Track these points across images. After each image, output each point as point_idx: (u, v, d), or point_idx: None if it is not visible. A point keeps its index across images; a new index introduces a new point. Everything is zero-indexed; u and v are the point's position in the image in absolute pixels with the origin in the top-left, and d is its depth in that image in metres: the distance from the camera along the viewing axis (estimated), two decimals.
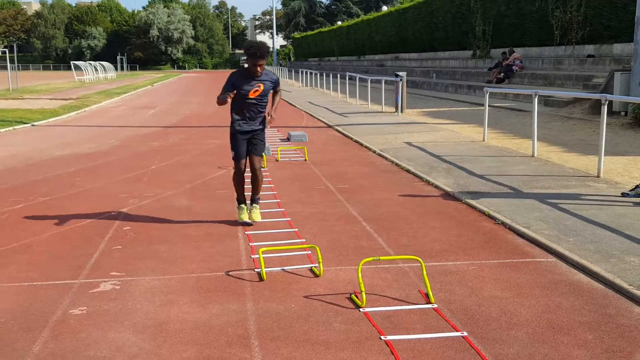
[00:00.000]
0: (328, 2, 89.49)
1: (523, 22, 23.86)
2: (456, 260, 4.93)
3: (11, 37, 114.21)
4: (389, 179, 8.36)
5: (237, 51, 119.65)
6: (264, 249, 4.94)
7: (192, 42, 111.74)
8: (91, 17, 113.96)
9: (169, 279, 4.60)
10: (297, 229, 5.90)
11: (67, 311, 4.02)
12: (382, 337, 3.57)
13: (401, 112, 17.07)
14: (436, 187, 7.68)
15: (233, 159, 6.07)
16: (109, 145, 12.32)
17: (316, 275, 4.63)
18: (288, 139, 12.60)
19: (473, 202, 6.70)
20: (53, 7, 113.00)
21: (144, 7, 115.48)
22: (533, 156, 9.40)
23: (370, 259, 4.42)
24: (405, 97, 17.76)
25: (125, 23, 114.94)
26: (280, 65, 66.10)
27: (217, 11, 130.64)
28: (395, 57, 39.67)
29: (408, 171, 8.79)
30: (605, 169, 7.90)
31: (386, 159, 9.96)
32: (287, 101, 23.41)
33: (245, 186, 6.16)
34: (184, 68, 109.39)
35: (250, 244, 5.44)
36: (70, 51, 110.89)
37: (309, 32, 74.04)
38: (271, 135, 12.83)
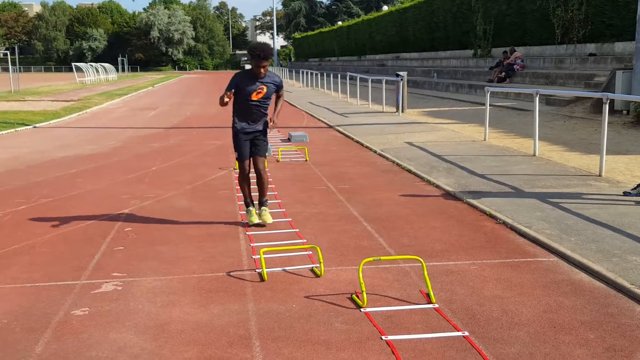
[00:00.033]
0: (328, 2, 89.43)
1: (524, 21, 23.84)
2: (457, 260, 4.93)
3: (12, 39, 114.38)
4: (389, 179, 8.36)
5: (237, 52, 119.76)
6: (265, 249, 4.94)
7: (192, 43, 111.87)
8: (92, 19, 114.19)
9: (170, 280, 4.61)
10: (298, 230, 5.90)
11: (69, 312, 4.03)
12: (383, 337, 3.57)
13: (402, 112, 17.05)
14: (437, 187, 7.68)
15: (237, 159, 6.10)
16: (110, 147, 12.34)
17: (317, 276, 4.64)
18: (289, 140, 12.61)
19: (474, 202, 6.69)
20: (54, 9, 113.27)
21: (144, 9, 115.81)
22: (534, 155, 9.39)
23: (371, 259, 4.43)
24: (406, 97, 17.74)
25: (126, 24, 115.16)
26: (281, 66, 66.13)
27: (217, 12, 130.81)
28: (396, 56, 39.65)
29: (409, 171, 8.79)
30: (607, 168, 7.89)
31: (387, 159, 9.96)
32: (287, 101, 23.38)
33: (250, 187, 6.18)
34: (185, 69, 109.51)
35: (251, 244, 5.44)
36: (71, 53, 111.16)
37: (310, 33, 74.00)
38: (272, 136, 12.83)
